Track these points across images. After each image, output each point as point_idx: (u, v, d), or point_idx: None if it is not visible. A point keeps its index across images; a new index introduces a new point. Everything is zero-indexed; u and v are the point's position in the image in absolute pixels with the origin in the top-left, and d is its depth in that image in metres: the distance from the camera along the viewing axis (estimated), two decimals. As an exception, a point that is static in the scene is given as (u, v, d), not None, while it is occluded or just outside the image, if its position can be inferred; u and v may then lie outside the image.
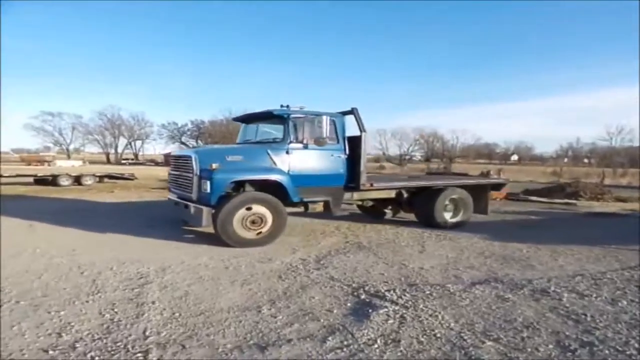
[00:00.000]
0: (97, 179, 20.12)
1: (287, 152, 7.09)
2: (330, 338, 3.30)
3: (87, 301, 4.06)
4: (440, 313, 3.85)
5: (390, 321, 3.66)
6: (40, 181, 18.46)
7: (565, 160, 60.70)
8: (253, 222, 6.62)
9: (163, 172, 39.05)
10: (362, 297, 4.30)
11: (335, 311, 3.89)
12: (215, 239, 6.57)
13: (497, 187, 10.48)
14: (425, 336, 3.36)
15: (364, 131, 7.63)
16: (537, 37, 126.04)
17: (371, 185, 7.81)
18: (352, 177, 7.65)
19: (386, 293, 4.40)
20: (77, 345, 3.13)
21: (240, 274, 5.07)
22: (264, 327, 3.50)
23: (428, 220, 8.65)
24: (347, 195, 7.82)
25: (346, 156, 7.58)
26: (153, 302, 4.03)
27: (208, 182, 6.41)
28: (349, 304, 4.09)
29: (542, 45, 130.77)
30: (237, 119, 8.67)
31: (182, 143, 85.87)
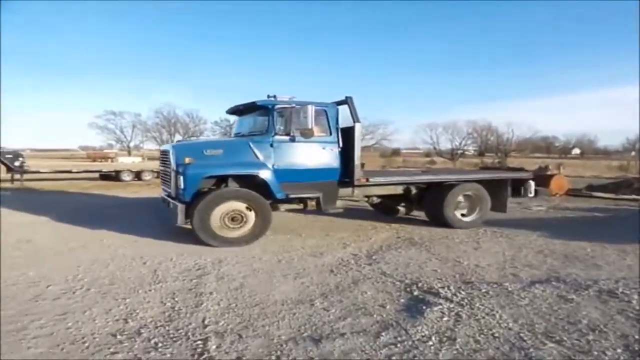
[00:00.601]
0: (156, 174, 21.12)
1: (271, 145, 6.62)
2: (383, 333, 3.28)
3: (149, 290, 4.28)
4: (497, 312, 3.73)
5: (445, 319, 3.59)
6: (105, 176, 19.92)
7: (633, 153, 56.59)
8: (233, 220, 6.32)
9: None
10: (415, 293, 4.25)
11: (388, 307, 3.87)
12: (270, 233, 6.70)
13: (520, 182, 9.19)
14: (482, 335, 3.27)
15: (358, 122, 7.06)
16: (601, 27, 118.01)
17: (367, 180, 7.20)
18: (347, 171, 7.11)
19: (440, 290, 4.32)
20: (142, 332, 3.31)
21: (292, 267, 5.15)
22: (317, 321, 3.55)
23: (437, 219, 8.00)
24: (347, 191, 7.32)
25: (340, 149, 7.06)
26: (210, 293, 4.19)
27: (181, 178, 6.16)
28: (402, 300, 4.06)
29: (605, 35, 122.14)
30: (228, 111, 8.09)
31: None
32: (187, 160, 6.18)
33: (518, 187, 8.91)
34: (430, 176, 8.55)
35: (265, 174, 6.45)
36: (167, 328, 3.38)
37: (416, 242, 6.59)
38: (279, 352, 2.98)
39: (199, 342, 3.13)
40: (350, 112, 7.08)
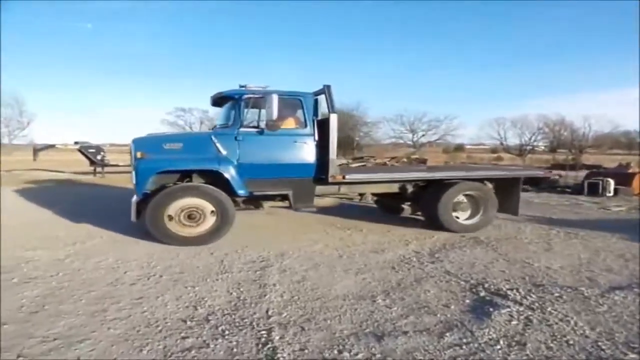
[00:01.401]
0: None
1: (236, 138, 6.15)
2: (447, 334, 3.20)
3: (216, 279, 4.46)
4: (572, 318, 3.51)
5: (514, 322, 3.43)
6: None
7: None
8: (190, 217, 5.95)
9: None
10: (482, 294, 4.10)
11: (452, 307, 3.77)
12: (332, 228, 6.76)
13: (536, 181, 8.23)
14: (555, 342, 3.09)
15: (333, 112, 6.36)
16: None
17: (343, 177, 6.45)
18: (323, 167, 6.48)
19: (508, 292, 4.13)
20: (210, 319, 3.46)
21: (354, 263, 5.16)
22: (379, 317, 3.52)
23: (432, 220, 7.16)
24: (331, 188, 6.80)
25: (315, 142, 6.49)
26: (274, 285, 4.29)
27: (133, 172, 5.94)
28: (467, 301, 3.93)
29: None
30: (211, 104, 7.41)
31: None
32: (139, 154, 5.89)
33: (536, 185, 8.09)
34: (422, 173, 7.67)
35: (225, 169, 5.99)
36: (233, 317, 3.51)
37: (481, 242, 6.34)
38: (340, 347, 2.99)
39: (263, 332, 3.22)
40: (327, 102, 6.47)
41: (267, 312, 3.61)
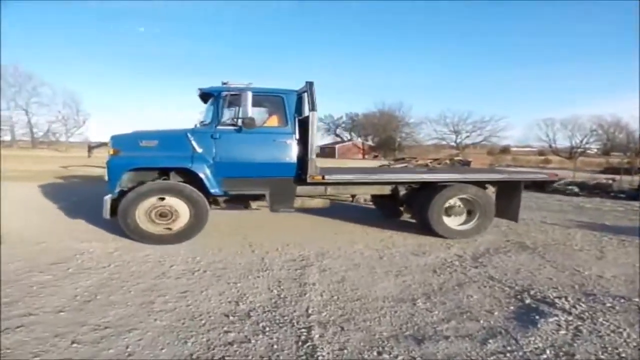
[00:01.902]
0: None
1: (213, 136, 6.01)
2: (491, 340, 3.12)
3: (258, 277, 4.54)
4: (625, 330, 3.33)
5: (562, 332, 3.30)
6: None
7: None
8: (162, 215, 5.83)
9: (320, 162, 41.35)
10: (527, 301, 3.96)
11: (496, 313, 3.66)
12: (372, 230, 6.72)
13: (540, 185, 7.47)
14: (606, 354, 2.95)
15: (314, 110, 6.01)
16: None
17: (322, 177, 6.12)
18: (305, 166, 6.20)
19: (556, 300, 3.97)
20: (252, 315, 3.53)
21: (394, 264, 5.11)
22: (420, 321, 3.48)
23: (423, 224, 6.79)
24: (319, 189, 6.61)
25: (296, 141, 6.25)
26: (314, 284, 4.32)
27: (106, 169, 5.86)
28: (511, 307, 3.81)
29: None
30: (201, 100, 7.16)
31: (337, 135, 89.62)
32: (111, 151, 5.88)
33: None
34: (410, 175, 7.22)
35: (198, 167, 5.87)
36: (273, 313, 3.56)
37: (528, 247, 6.12)
38: (380, 348, 2.98)
39: (303, 330, 3.25)
40: (308, 99, 6.15)
41: (307, 310, 3.64)
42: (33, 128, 59.00)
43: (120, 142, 6.12)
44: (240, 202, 6.45)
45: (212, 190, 5.92)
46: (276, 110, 6.37)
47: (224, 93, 6.07)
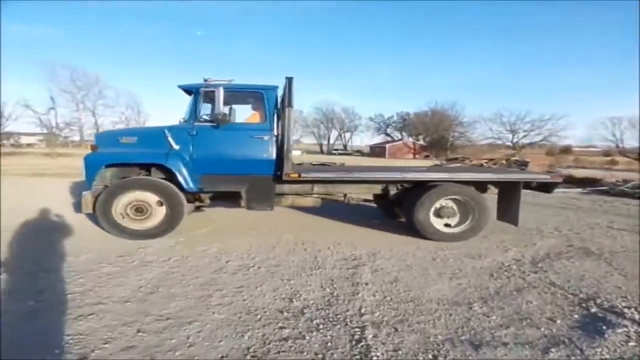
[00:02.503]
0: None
1: (190, 133, 6.00)
2: (553, 349, 2.99)
3: (310, 275, 4.60)
4: None
5: (632, 344, 3.10)
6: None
7: None
8: (138, 211, 5.93)
9: (368, 161, 41.13)
10: (593, 310, 3.75)
11: (558, 321, 3.50)
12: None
13: (546, 186, 6.75)
14: (683, 370, 2.74)
15: (290, 106, 5.85)
16: None
17: (298, 175, 6.00)
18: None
19: (625, 310, 3.73)
20: (305, 312, 3.58)
21: (448, 267, 5.00)
22: (476, 325, 3.39)
23: (411, 226, 6.42)
24: (305, 187, 6.49)
25: (274, 138, 6.16)
26: (366, 284, 4.31)
27: (83, 165, 5.93)
28: (575, 316, 3.62)
29: None
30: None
31: (387, 134, 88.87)
32: (91, 147, 5.97)
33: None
34: (394, 174, 6.69)
35: (173, 164, 5.88)
36: (326, 311, 3.60)
37: (592, 253, 5.78)
38: (435, 352, 2.94)
39: (357, 329, 3.26)
40: (285, 95, 5.98)
41: (359, 310, 3.65)
42: (99, 129, 62.82)
43: (102, 138, 6.41)
44: (229, 199, 6.46)
45: (186, 187, 5.95)
46: (258, 106, 6.33)
47: (201, 90, 6.09)
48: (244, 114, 6.68)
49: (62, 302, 3.67)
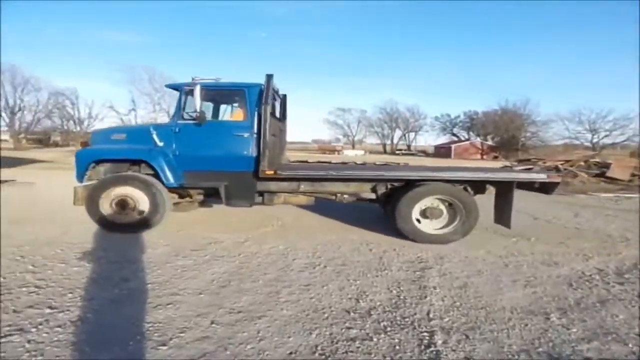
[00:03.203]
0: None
1: (173, 130, 6.19)
2: (644, 369, 2.75)
3: (376, 276, 4.57)
4: None
5: None
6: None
7: None
8: (122, 205, 6.08)
9: (432, 162, 40.14)
10: (691, 328, 3.41)
11: (649, 338, 3.22)
12: (495, 235, 6.35)
13: (545, 187, 6.37)
14: None
15: (267, 103, 5.89)
16: None
17: (274, 172, 5.98)
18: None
19: None
20: (372, 313, 3.56)
21: (521, 274, 4.75)
22: (555, 337, 3.19)
23: (394, 226, 6.17)
24: (292, 185, 6.44)
25: (255, 135, 6.13)
26: (434, 287, 4.21)
27: (74, 161, 6.31)
28: (669, 334, 3.31)
29: None
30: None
31: (453, 134, 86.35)
32: (82, 143, 6.18)
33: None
34: (374, 172, 6.59)
35: (154, 160, 6.10)
36: (394, 314, 3.56)
37: (689, 265, 5.25)
38: (510, 362, 2.81)
39: (425, 334, 3.19)
40: (263, 93, 6.03)
41: (428, 314, 3.57)
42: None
43: (96, 136, 6.80)
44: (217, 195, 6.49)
45: (166, 182, 6.14)
46: (241, 104, 6.45)
47: (185, 88, 6.21)
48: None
49: (142, 291, 3.92)
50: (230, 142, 6.25)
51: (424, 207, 6.14)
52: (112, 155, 6.37)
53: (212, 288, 4.05)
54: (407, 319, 3.46)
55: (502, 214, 6.27)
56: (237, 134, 6.22)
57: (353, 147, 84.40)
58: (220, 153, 6.25)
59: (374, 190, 6.61)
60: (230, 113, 7.13)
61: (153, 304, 3.64)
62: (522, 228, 7.06)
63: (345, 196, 6.73)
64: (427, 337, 3.13)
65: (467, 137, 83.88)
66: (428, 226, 6.15)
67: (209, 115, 6.62)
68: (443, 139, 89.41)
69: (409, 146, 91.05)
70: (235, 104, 6.93)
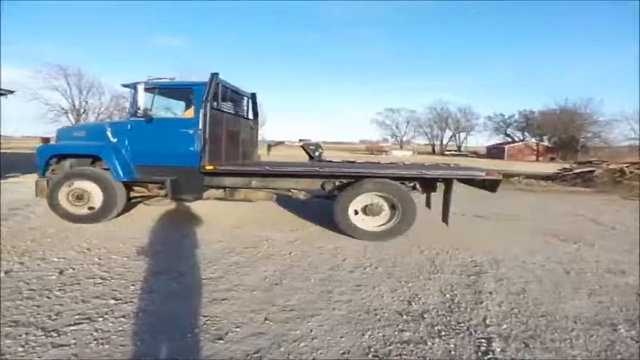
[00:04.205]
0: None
1: (126, 127, 6.63)
2: None
3: (428, 278, 4.48)
4: None
5: None
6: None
7: None
8: (78, 198, 6.48)
9: (484, 163, 38.87)
10: None
11: None
12: (554, 240, 6.06)
13: (490, 184, 6.26)
14: None
15: (207, 101, 6.18)
16: None
17: (214, 167, 6.26)
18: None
19: None
20: (425, 317, 3.49)
21: (585, 282, 4.50)
22: (624, 350, 3.00)
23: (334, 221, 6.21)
24: (245, 181, 6.62)
25: (200, 132, 6.31)
26: (490, 293, 4.07)
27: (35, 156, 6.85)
28: None
29: None
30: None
31: (507, 135, 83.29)
32: (42, 140, 6.57)
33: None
34: (310, 168, 6.54)
35: (106, 155, 6.50)
36: (448, 318, 3.47)
37: None
38: (574, 374, 2.67)
39: (482, 340, 3.09)
40: (206, 90, 6.26)
41: (484, 320, 3.45)
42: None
43: (60, 132, 7.39)
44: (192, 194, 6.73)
45: (116, 177, 6.48)
46: (191, 103, 6.75)
47: (136, 86, 6.43)
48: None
49: (199, 286, 4.06)
50: (176, 139, 6.56)
51: (365, 204, 6.17)
52: (67, 151, 6.91)
53: (265, 285, 4.12)
54: (462, 324, 3.36)
55: (444, 211, 6.37)
56: (183, 131, 6.51)
57: (401, 148, 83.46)
58: (167, 149, 6.59)
59: (322, 186, 6.65)
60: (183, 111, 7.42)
61: (209, 298, 3.75)
62: (583, 233, 6.71)
63: (301, 193, 6.80)
64: (484, 344, 3.03)
65: (521, 137, 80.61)
66: (368, 223, 6.18)
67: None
68: (496, 140, 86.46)
69: (459, 147, 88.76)
70: (189, 103, 7.15)
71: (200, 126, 6.33)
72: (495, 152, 74.43)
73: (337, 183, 6.49)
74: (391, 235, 6.06)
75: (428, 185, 6.66)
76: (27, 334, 2.97)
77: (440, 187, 6.58)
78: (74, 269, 4.42)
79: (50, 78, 53.36)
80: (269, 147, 14.50)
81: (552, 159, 58.10)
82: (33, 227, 6.15)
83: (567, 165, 19.94)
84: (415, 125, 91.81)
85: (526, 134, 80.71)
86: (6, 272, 4.21)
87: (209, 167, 6.30)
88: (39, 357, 2.66)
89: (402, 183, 6.35)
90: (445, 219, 6.33)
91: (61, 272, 4.29)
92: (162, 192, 6.83)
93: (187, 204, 8.06)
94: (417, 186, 6.60)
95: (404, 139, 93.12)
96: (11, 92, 11.59)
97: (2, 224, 6.24)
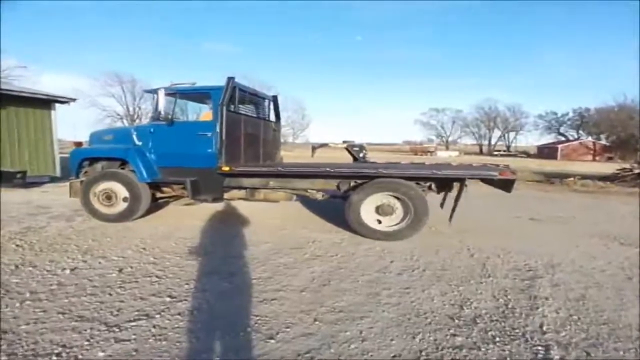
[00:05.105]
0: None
1: (150, 131, 6.90)
2: None
3: (480, 282, 4.35)
4: None
5: None
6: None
7: None
8: (107, 198, 6.83)
9: (535, 164, 37.40)
10: None
11: None
12: (614, 243, 5.74)
13: (502, 184, 6.23)
14: None
15: (223, 104, 6.39)
16: None
17: (230, 168, 6.47)
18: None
19: None
20: (478, 321, 3.40)
21: (650, 288, 4.24)
22: (698, 363, 2.80)
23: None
24: (263, 181, 6.81)
25: (218, 134, 6.50)
26: (546, 298, 3.91)
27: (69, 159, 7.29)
28: None
29: None
30: None
31: (560, 134, 79.77)
32: (75, 143, 6.85)
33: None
34: (324, 168, 6.44)
35: (131, 157, 6.79)
36: (502, 324, 3.36)
37: None
38: (642, 387, 2.52)
39: (540, 347, 2.97)
40: (223, 94, 6.49)
41: (541, 326, 3.32)
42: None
43: (93, 136, 7.72)
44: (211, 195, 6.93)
45: (139, 178, 6.76)
46: (211, 106, 6.94)
47: (158, 92, 6.65)
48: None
49: (249, 286, 4.14)
50: (195, 141, 6.76)
51: (377, 204, 6.19)
52: (96, 154, 7.34)
53: (313, 286, 4.15)
54: (517, 330, 3.25)
55: (452, 210, 6.41)
56: (201, 133, 6.72)
57: (447, 148, 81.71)
58: (187, 151, 6.82)
59: (338, 187, 6.70)
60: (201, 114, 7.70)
61: (259, 298, 3.83)
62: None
63: (319, 194, 6.88)
64: (541, 351, 2.91)
65: (576, 136, 76.91)
66: (380, 223, 6.20)
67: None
68: (547, 139, 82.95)
69: (508, 147, 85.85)
70: (209, 106, 7.33)
71: (218, 128, 6.53)
72: (547, 151, 71.43)
73: (352, 183, 6.52)
74: (403, 236, 6.05)
75: (443, 185, 6.60)
76: (91, 328, 3.14)
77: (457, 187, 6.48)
78: (132, 267, 4.63)
79: (107, 85, 56.36)
80: (313, 149, 14.68)
81: (609, 159, 55.07)
82: (93, 227, 6.50)
83: (626, 165, 18.79)
84: (462, 125, 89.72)
85: (581, 132, 76.97)
86: (72, 270, 4.48)
87: (226, 168, 6.52)
88: (104, 352, 2.81)
89: (418, 183, 6.29)
90: (450, 216, 6.40)
91: (120, 270, 4.51)
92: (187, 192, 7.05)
93: (233, 205, 8.28)
94: (433, 186, 6.54)
95: (450, 139, 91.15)
96: (73, 99, 12.34)
97: (67, 224, 6.65)
